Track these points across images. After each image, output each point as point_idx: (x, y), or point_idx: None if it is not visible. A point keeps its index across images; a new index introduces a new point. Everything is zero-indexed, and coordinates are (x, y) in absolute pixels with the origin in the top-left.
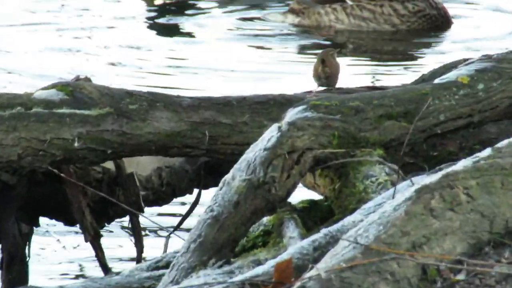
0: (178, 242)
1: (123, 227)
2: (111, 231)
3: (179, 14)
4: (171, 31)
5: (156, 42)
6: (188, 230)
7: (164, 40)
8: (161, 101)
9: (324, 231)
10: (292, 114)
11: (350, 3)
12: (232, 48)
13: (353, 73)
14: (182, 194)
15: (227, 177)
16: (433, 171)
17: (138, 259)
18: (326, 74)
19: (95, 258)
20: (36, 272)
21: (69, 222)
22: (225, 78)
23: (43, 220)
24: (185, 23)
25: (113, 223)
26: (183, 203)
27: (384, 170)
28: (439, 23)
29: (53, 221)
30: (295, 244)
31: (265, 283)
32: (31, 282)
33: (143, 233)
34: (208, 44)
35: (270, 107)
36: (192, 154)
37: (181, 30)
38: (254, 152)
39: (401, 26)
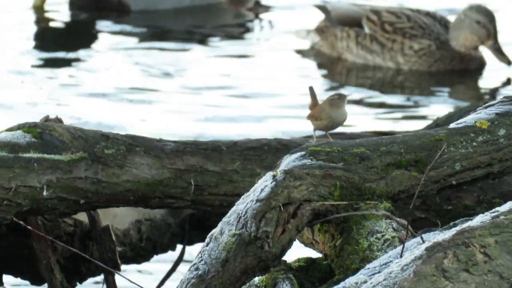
0: None
1: (97, 287)
2: None
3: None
4: None
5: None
6: None
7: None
8: (141, 145)
9: None
10: (288, 161)
11: (366, 31)
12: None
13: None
14: (164, 250)
15: (215, 231)
16: (446, 227)
17: None
18: (333, 121)
19: None
20: None
21: (37, 280)
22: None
23: (6, 279)
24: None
25: (86, 282)
26: (165, 261)
27: (392, 225)
28: (447, 64)
29: (18, 280)
30: None
31: None
32: None
33: None
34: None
35: (263, 153)
36: (176, 205)
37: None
38: (245, 203)
39: (403, 66)
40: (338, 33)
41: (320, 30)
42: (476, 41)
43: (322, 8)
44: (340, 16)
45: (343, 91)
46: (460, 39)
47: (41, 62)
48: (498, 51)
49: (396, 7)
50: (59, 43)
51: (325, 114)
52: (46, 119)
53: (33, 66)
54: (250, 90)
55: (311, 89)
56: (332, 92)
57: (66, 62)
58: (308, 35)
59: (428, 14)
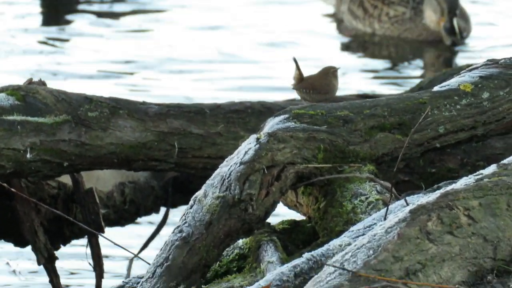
0: (142, 266)
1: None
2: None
3: None
4: None
5: None
6: (154, 252)
7: None
8: (124, 108)
9: (307, 255)
10: (272, 124)
11: None
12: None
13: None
14: (148, 213)
15: (199, 194)
16: (430, 190)
17: (98, 284)
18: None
19: (50, 284)
20: None
21: (20, 242)
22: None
23: None
24: None
25: (69, 244)
26: (149, 223)
27: (375, 188)
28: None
29: (2, 242)
30: (274, 269)
31: None
32: None
33: (103, 255)
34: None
35: (247, 116)
36: (159, 168)
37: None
38: (229, 166)
39: (378, 32)
40: None
41: None
42: (436, 19)
43: None
44: None
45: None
46: (426, 16)
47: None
48: (446, 30)
49: None
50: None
51: (331, 86)
52: (30, 81)
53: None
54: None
55: (295, 60)
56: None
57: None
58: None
59: None
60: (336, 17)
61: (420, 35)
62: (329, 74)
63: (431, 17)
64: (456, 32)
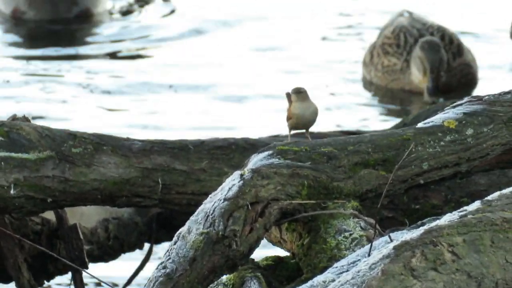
0: None
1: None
2: None
3: None
4: None
5: None
6: None
7: None
8: (108, 144)
9: None
10: (256, 160)
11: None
12: None
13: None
14: (132, 249)
15: (182, 230)
16: (414, 226)
17: None
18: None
19: None
20: None
21: (4, 279)
22: None
23: None
24: None
25: (53, 280)
26: (133, 259)
27: (359, 224)
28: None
29: None
30: None
31: None
32: None
33: None
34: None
35: (231, 152)
36: (143, 204)
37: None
38: (213, 202)
39: (373, 79)
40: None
41: None
42: (420, 77)
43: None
44: (385, 25)
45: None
46: (412, 72)
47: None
48: (428, 90)
49: (421, 22)
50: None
51: (293, 109)
52: (14, 118)
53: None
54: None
55: (287, 94)
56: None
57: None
58: None
59: (432, 34)
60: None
61: (405, 86)
62: (293, 96)
63: (415, 74)
64: (434, 93)
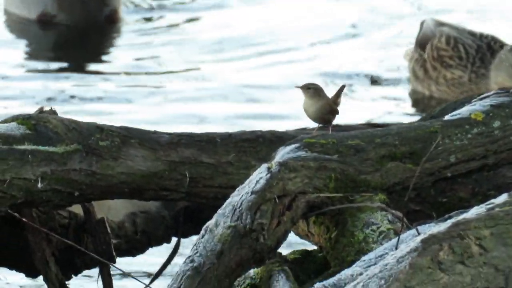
0: None
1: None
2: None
3: None
4: None
5: None
6: (165, 283)
7: None
8: (135, 137)
9: (318, 285)
10: (283, 153)
11: (425, 55)
12: None
13: None
14: (159, 243)
15: (210, 223)
16: (441, 220)
17: None
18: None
19: None
20: None
21: (32, 273)
22: None
23: (1, 271)
24: None
25: (81, 274)
26: (160, 253)
27: (387, 217)
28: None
29: (13, 272)
30: None
31: None
32: None
33: (114, 286)
34: None
35: (258, 145)
36: (170, 197)
37: None
38: (240, 196)
39: (435, 94)
40: (414, 54)
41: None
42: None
43: (421, 26)
44: (421, 36)
45: None
46: (498, 80)
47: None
48: None
49: (463, 30)
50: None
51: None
52: (41, 110)
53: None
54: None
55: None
56: None
57: None
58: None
59: (488, 43)
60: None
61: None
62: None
63: (505, 83)
64: None
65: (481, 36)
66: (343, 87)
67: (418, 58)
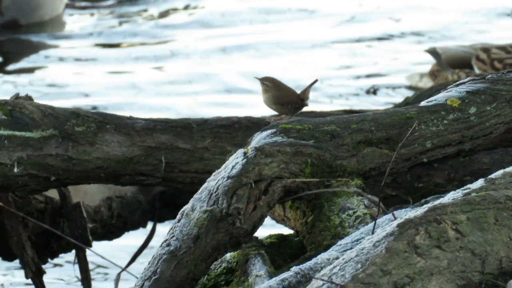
0: (130, 280)
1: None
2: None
3: None
4: None
5: None
6: (141, 266)
7: None
8: (111, 122)
9: (295, 269)
10: (259, 138)
11: (476, 71)
12: None
13: None
14: (135, 227)
15: (186, 208)
16: (417, 204)
17: None
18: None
19: None
20: None
21: (8, 257)
22: None
23: None
24: None
25: (57, 258)
26: (136, 238)
27: (363, 202)
28: None
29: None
30: (262, 283)
31: None
32: None
33: (90, 269)
34: None
35: (234, 131)
36: (147, 182)
37: None
38: (217, 180)
39: None
40: (449, 76)
41: (432, 74)
42: None
43: (433, 52)
44: (450, 58)
45: None
46: None
47: None
48: None
49: (505, 44)
50: None
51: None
52: (16, 96)
53: None
54: None
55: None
56: None
57: None
58: (421, 79)
59: None
60: None
61: None
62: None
63: None
64: None
65: None
66: (315, 81)
67: (471, 76)
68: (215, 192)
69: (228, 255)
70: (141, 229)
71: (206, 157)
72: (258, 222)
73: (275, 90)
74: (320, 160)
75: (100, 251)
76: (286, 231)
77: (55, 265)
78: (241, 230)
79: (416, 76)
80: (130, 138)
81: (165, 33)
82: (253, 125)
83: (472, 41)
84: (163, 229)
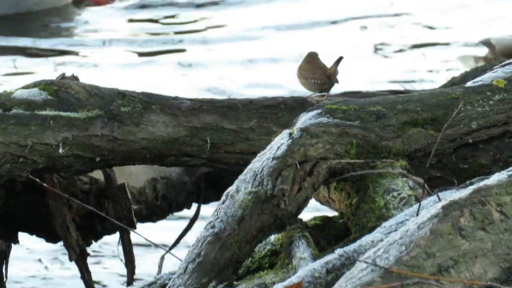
0: (174, 262)
1: (112, 245)
2: (98, 250)
3: None
4: None
5: None
6: (186, 248)
7: None
8: (157, 103)
9: (339, 251)
10: (305, 119)
11: None
12: None
13: None
14: (180, 209)
15: (231, 189)
16: (462, 186)
17: (129, 281)
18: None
19: (81, 280)
20: None
21: (52, 238)
22: None
23: (22, 236)
24: None
25: (101, 240)
26: (181, 219)
27: (408, 183)
28: None
29: (34, 238)
30: (306, 266)
31: None
32: None
33: (135, 251)
34: None
35: (280, 111)
36: (192, 163)
37: None
38: (262, 161)
39: None
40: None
41: (487, 59)
42: None
43: (487, 43)
44: (505, 49)
45: None
46: None
47: None
48: None
49: None
50: None
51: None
52: (62, 76)
53: None
54: None
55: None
56: None
57: None
58: (476, 62)
59: None
60: None
61: None
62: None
63: None
64: None
65: None
66: (340, 58)
67: None
68: (260, 173)
69: (272, 237)
70: (185, 211)
71: (251, 138)
72: (303, 204)
73: (304, 63)
74: (365, 141)
75: (145, 233)
76: (331, 212)
77: (99, 246)
78: (286, 212)
79: (469, 58)
80: (176, 119)
81: None
82: (299, 105)
83: None
84: (208, 211)
